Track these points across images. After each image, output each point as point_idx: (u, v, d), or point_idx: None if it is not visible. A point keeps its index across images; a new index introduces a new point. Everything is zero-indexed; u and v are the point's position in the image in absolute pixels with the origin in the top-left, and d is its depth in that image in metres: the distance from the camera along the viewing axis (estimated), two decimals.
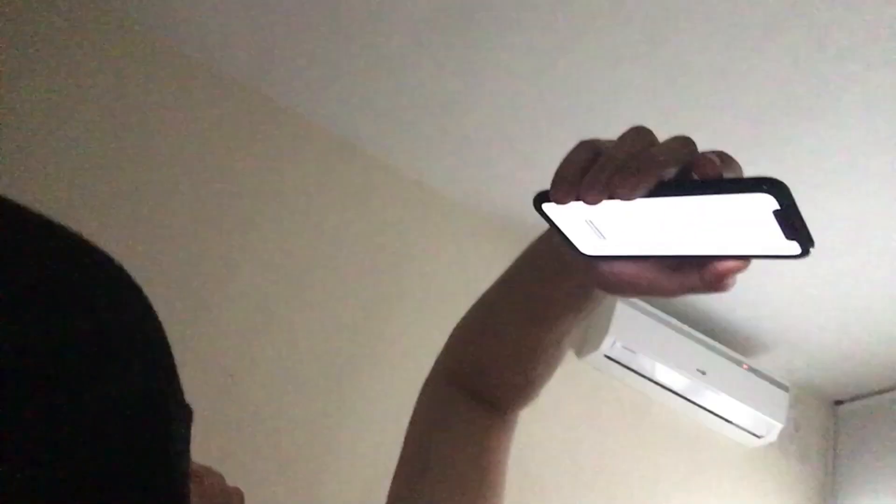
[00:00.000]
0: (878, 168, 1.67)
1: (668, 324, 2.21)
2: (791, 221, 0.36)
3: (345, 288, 2.01)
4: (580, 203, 0.40)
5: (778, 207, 0.36)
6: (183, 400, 0.31)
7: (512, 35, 1.66)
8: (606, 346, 2.14)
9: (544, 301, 0.57)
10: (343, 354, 1.94)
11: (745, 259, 0.41)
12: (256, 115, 2.06)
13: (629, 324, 2.16)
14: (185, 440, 0.31)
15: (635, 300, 2.19)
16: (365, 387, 1.92)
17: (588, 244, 0.46)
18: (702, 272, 0.44)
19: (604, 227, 0.43)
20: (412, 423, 0.66)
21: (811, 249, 0.37)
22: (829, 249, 1.92)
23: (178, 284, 1.79)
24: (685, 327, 2.23)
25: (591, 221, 0.43)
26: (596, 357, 2.18)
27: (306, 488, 1.77)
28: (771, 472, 2.35)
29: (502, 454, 0.64)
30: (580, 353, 2.24)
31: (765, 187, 0.36)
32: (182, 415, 0.31)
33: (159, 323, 0.32)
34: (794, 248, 0.38)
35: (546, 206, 0.43)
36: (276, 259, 1.97)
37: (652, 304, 2.22)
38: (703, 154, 0.39)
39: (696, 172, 0.39)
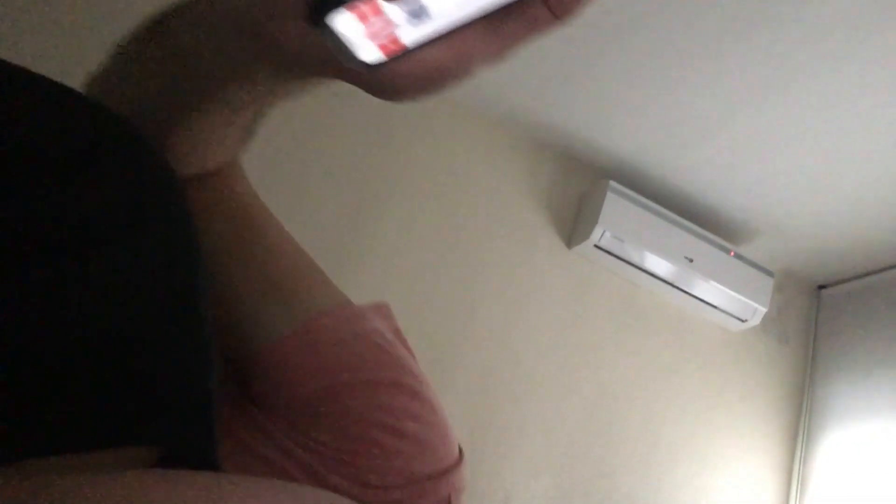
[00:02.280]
0: (869, 51, 1.64)
1: (656, 212, 2.23)
2: None
3: (332, 185, 2.01)
4: None
5: None
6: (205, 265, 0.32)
7: None
8: (596, 236, 2.16)
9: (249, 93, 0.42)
10: (333, 250, 1.95)
11: None
12: None
13: (618, 214, 2.18)
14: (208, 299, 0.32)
15: (624, 189, 2.20)
16: (358, 281, 1.95)
17: (375, 49, 0.33)
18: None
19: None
20: None
21: None
22: (815, 134, 1.91)
23: None
24: (673, 215, 2.25)
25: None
26: (586, 247, 2.20)
27: None
28: (754, 353, 2.43)
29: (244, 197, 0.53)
30: (570, 243, 2.27)
31: None
32: (206, 276, 0.32)
33: (183, 186, 0.33)
34: None
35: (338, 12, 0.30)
36: (265, 155, 1.94)
37: (641, 194, 2.23)
38: None
39: None
